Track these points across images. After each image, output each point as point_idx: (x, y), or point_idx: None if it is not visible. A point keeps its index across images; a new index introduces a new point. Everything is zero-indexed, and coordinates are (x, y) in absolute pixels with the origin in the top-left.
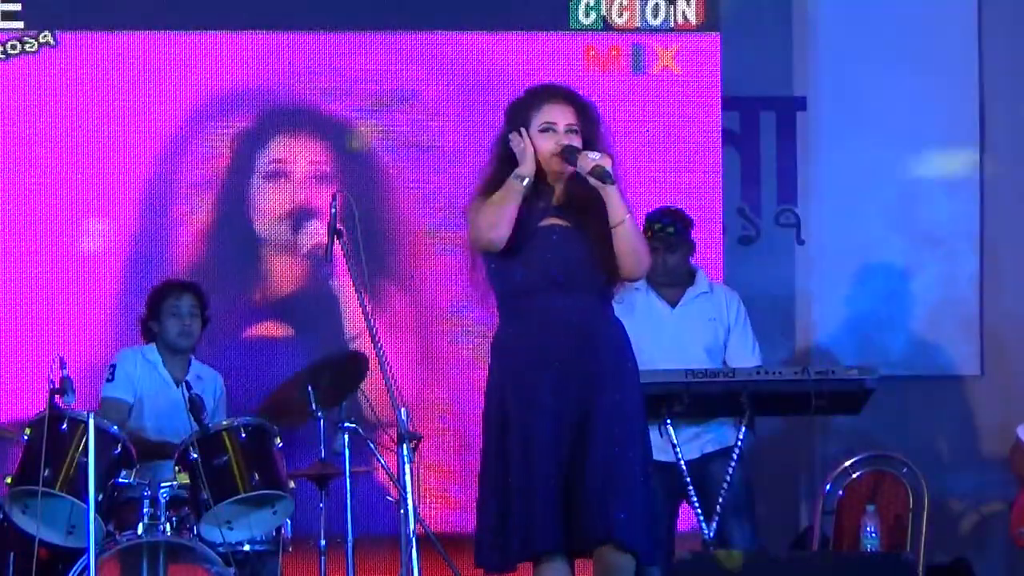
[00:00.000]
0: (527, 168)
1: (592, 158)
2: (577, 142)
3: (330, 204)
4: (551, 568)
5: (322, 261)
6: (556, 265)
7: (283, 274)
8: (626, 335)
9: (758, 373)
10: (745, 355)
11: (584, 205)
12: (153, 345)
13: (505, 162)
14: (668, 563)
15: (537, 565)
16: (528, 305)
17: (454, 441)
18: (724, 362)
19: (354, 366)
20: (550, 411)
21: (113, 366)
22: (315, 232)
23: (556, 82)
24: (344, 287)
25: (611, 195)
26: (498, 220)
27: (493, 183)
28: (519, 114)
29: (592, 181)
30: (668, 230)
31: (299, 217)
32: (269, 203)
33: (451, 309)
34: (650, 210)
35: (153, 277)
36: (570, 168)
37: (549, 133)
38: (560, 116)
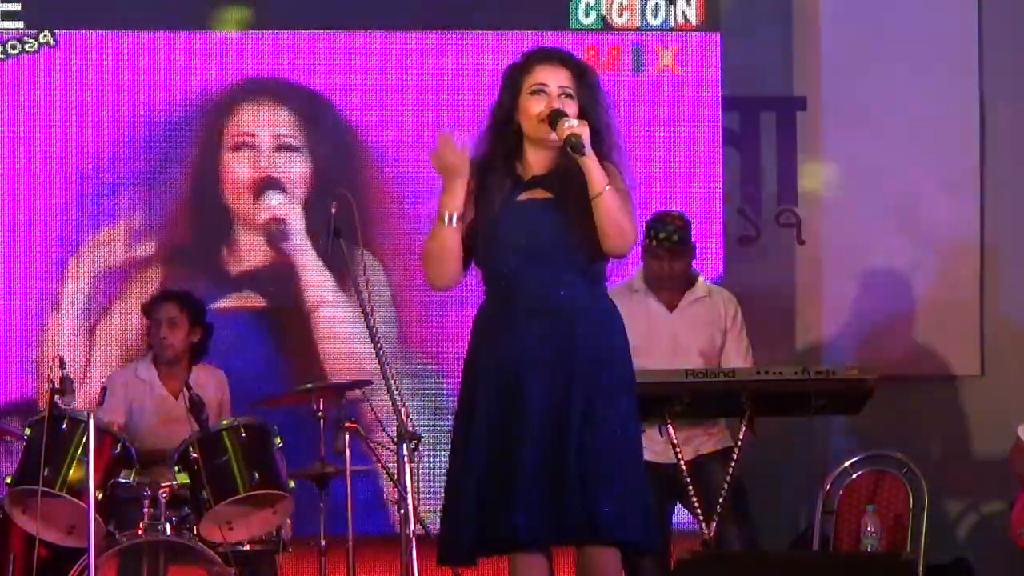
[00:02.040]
0: (453, 202)
1: (568, 125)
2: (572, 107)
3: (330, 204)
4: (529, 561)
5: (279, 233)
6: (533, 241)
7: (248, 245)
8: (616, 315)
9: (758, 373)
10: (737, 359)
11: (570, 176)
12: (149, 358)
13: (498, 128)
14: (666, 560)
15: (514, 557)
16: (506, 283)
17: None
18: (719, 365)
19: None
20: (524, 395)
21: (104, 389)
22: (275, 204)
23: (553, 45)
24: (302, 256)
25: (586, 166)
26: (441, 271)
27: (486, 151)
28: (511, 76)
29: (568, 150)
30: (673, 239)
31: (261, 188)
32: (236, 175)
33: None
34: (650, 213)
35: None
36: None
37: (540, 95)
38: (552, 78)
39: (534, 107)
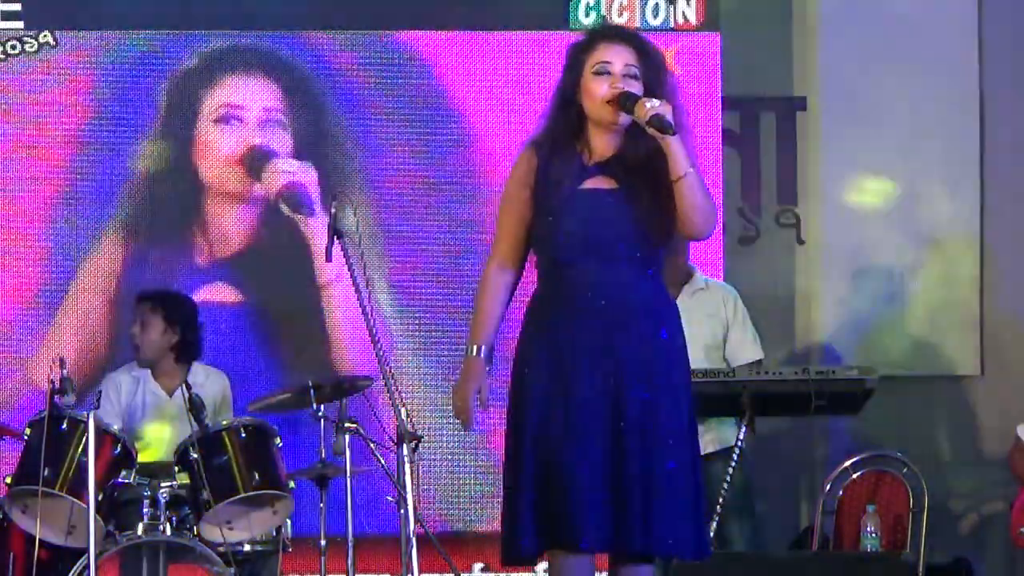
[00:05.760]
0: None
1: (650, 105)
2: (636, 87)
3: (330, 206)
4: (573, 560)
5: (289, 208)
6: (598, 233)
7: (235, 225)
8: (674, 307)
9: (758, 373)
10: (746, 349)
11: (636, 163)
12: None
13: (561, 109)
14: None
15: (557, 553)
16: (566, 273)
17: (454, 441)
18: (724, 359)
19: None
20: (580, 393)
21: (100, 392)
22: (276, 172)
23: (618, 24)
24: (315, 231)
25: (672, 146)
26: None
27: (549, 133)
28: (573, 56)
29: (650, 131)
30: None
31: (253, 160)
32: (219, 148)
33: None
34: None
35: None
36: (624, 118)
37: (603, 76)
38: (616, 57)
39: (598, 88)
